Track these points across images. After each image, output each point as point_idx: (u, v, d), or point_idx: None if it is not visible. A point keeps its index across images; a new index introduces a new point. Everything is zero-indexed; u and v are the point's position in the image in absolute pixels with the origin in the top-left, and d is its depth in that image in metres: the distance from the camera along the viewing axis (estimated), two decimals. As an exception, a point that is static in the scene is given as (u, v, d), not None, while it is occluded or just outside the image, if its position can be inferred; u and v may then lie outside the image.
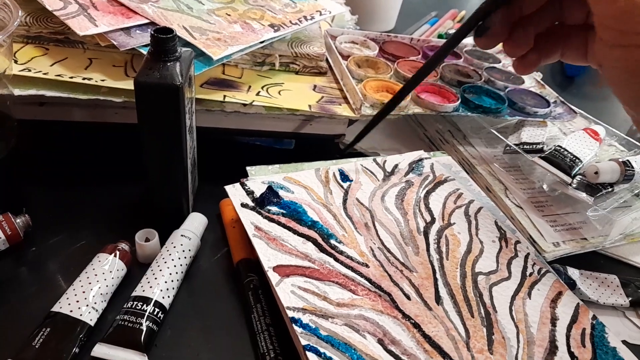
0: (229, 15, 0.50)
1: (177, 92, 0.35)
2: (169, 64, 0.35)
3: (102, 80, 0.43)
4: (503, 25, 0.35)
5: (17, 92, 0.41)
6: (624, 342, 0.38)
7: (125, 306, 0.35)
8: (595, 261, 0.44)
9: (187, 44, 0.45)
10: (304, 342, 0.30)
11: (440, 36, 0.74)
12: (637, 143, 0.52)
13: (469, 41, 0.66)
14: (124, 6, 0.48)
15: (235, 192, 0.39)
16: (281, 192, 0.40)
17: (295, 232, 0.37)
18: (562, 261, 0.42)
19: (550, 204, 0.45)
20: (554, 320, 0.33)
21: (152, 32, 0.35)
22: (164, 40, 0.35)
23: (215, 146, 0.49)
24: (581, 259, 0.42)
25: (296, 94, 0.48)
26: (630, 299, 0.41)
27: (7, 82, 0.38)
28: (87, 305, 0.34)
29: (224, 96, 0.45)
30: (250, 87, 0.47)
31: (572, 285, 0.40)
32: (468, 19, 0.35)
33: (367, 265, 0.35)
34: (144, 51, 0.44)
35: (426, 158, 0.46)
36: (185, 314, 0.36)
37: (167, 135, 0.37)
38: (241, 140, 0.52)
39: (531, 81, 0.57)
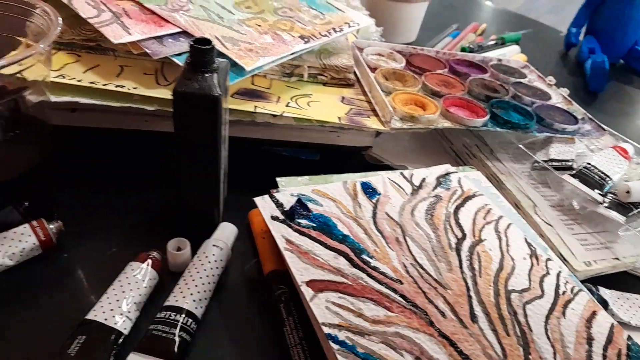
0: (259, 25, 0.50)
1: (216, 102, 0.35)
2: (207, 74, 0.36)
3: (135, 88, 0.44)
4: None
5: (52, 98, 0.41)
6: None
7: (158, 316, 0.35)
8: (627, 282, 0.44)
9: (220, 54, 0.45)
10: (341, 359, 0.30)
11: (463, 49, 0.74)
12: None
13: (494, 55, 0.66)
14: (156, 15, 0.49)
15: (264, 204, 0.39)
16: (310, 205, 0.40)
17: (326, 246, 0.37)
18: (593, 281, 0.42)
19: (581, 222, 0.45)
20: (589, 341, 0.33)
21: (191, 43, 0.35)
22: (203, 52, 0.35)
23: (241, 156, 0.50)
24: (612, 279, 0.42)
25: (325, 106, 0.48)
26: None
27: (45, 88, 0.39)
28: (122, 314, 0.34)
29: (255, 107, 0.45)
30: (279, 98, 0.48)
31: (604, 305, 0.39)
32: None
33: (400, 282, 0.35)
34: (177, 60, 0.45)
35: (453, 172, 0.45)
36: (216, 324, 0.36)
37: (203, 145, 0.37)
38: (267, 150, 0.52)
39: (558, 97, 0.57)
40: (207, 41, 0.36)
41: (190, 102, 0.35)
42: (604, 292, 0.40)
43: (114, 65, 0.47)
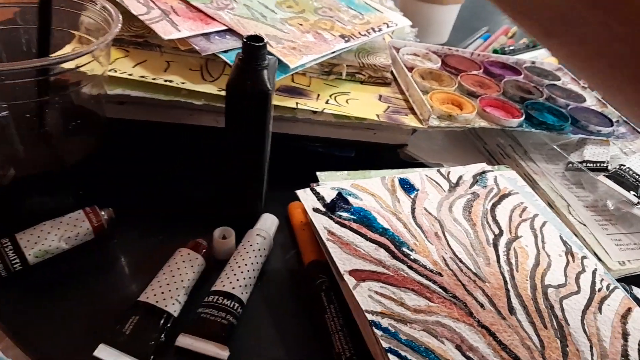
0: (301, 25, 0.52)
1: (267, 98, 0.37)
2: (258, 70, 0.37)
3: (182, 83, 0.46)
4: None
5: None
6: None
7: (206, 300, 0.36)
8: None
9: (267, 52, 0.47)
10: (385, 344, 0.31)
11: (495, 51, 0.75)
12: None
13: (527, 57, 0.66)
14: (202, 12, 0.50)
15: (306, 197, 0.41)
16: (350, 199, 0.41)
17: (367, 238, 0.38)
18: (626, 280, 0.42)
19: (615, 223, 0.45)
20: (625, 336, 0.34)
21: (245, 40, 0.37)
22: (256, 48, 0.37)
23: (279, 151, 0.51)
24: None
25: (363, 103, 0.49)
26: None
27: (103, 82, 0.41)
28: (172, 297, 0.36)
29: (297, 103, 0.46)
30: (319, 95, 0.49)
31: (637, 303, 0.40)
32: None
33: (440, 274, 0.36)
34: (224, 57, 0.46)
35: (489, 171, 0.46)
36: (259, 310, 0.38)
37: (252, 138, 0.39)
38: (304, 147, 0.54)
39: (592, 100, 0.58)
40: (259, 38, 0.37)
41: (242, 97, 0.37)
42: (638, 291, 0.41)
43: (160, 60, 0.49)
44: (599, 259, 0.42)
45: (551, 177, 0.49)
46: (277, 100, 0.46)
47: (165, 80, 0.46)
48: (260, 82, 0.37)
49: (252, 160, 0.40)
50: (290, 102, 0.46)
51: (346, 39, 0.50)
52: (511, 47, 0.76)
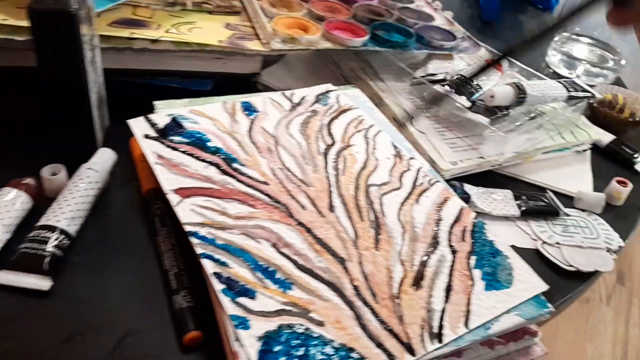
0: (134, -46, 0.49)
1: (73, 18, 0.35)
2: (60, -9, 0.35)
3: (4, 20, 0.43)
4: None
5: None
6: (513, 246, 0.42)
7: (29, 235, 0.35)
8: (493, 180, 0.47)
9: (89, -19, 0.44)
10: (199, 250, 0.31)
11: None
12: (535, 72, 0.55)
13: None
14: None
15: (138, 125, 0.40)
16: (186, 123, 0.41)
17: (197, 158, 0.38)
18: (462, 180, 0.45)
19: (452, 129, 0.48)
20: (438, 221, 0.36)
21: (39, -42, 0.35)
22: (52, -33, 0.35)
23: (130, 89, 0.49)
24: (480, 178, 0.45)
25: (207, 31, 0.48)
26: (522, 209, 0.44)
27: None
28: (-11, 235, 0.34)
29: (132, 33, 0.45)
30: (159, 25, 0.47)
31: (466, 199, 0.43)
32: None
33: (267, 183, 0.37)
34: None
35: (333, 90, 0.47)
36: (93, 241, 0.37)
37: (66, 65, 0.37)
38: (157, 83, 0.52)
39: (442, 19, 0.59)
40: (56, -43, 0.35)
41: (47, 18, 0.35)
42: (469, 187, 0.44)
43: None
44: (433, 162, 0.44)
45: (398, 94, 0.50)
46: (108, 31, 0.44)
47: (-16, 18, 0.42)
48: (64, 1, 0.35)
49: (72, 90, 0.38)
50: (124, 32, 0.45)
51: (183, -34, 0.49)
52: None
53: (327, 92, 0.47)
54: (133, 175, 0.43)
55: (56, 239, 0.35)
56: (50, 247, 0.34)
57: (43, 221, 0.36)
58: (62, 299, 0.33)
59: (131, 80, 0.50)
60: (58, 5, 0.34)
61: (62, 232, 0.35)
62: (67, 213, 0.37)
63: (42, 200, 0.39)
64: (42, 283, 0.33)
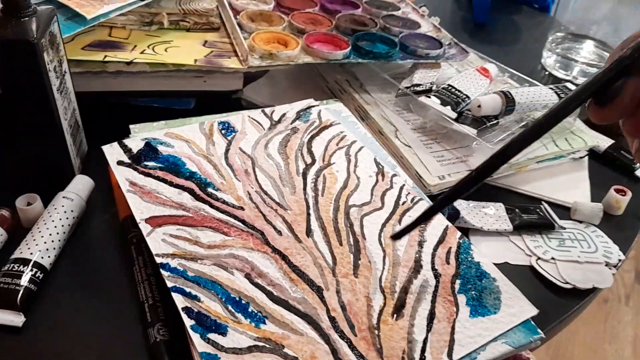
0: (108, -25, 0.48)
1: (33, 47, 0.34)
2: (22, 20, 0.35)
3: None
4: (635, 96, 0.26)
5: None
6: (506, 263, 0.40)
7: (2, 269, 0.34)
8: (484, 192, 0.45)
9: (61, 5, 0.44)
10: (170, 284, 0.30)
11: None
12: (527, 78, 0.54)
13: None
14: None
15: (112, 151, 0.39)
16: (161, 147, 0.40)
17: (171, 184, 0.37)
18: (450, 194, 0.43)
19: (440, 141, 0.46)
20: (421, 243, 0.35)
21: (-1, -13, 0.34)
22: (12, -5, 0.34)
23: (110, 111, 0.49)
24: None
25: (184, 50, 0.47)
26: (515, 223, 0.42)
27: None
28: (-40, 272, 0.34)
29: (105, 56, 0.44)
30: (135, 46, 0.46)
31: (456, 214, 0.41)
32: (586, 84, 0.27)
33: (242, 209, 0.35)
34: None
35: (314, 106, 0.46)
36: (69, 273, 0.36)
37: (31, 94, 0.36)
38: (138, 103, 0.51)
39: (429, 26, 0.58)
40: (17, -16, 0.34)
41: (6, 49, 0.34)
42: (458, 202, 0.42)
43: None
44: (420, 177, 0.42)
45: (383, 106, 0.49)
46: (81, 55, 0.44)
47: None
48: (22, 31, 0.34)
49: (41, 119, 0.37)
50: (97, 56, 0.44)
51: (157, -16, 0.48)
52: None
53: (309, 107, 0.46)
54: (113, 200, 0.42)
55: (30, 273, 0.34)
56: (24, 282, 0.33)
57: (17, 254, 0.35)
58: (35, 333, 0.32)
59: (112, 101, 0.49)
60: (17, 35, 0.33)
61: (36, 264, 0.35)
62: (41, 245, 0.36)
63: (18, 230, 0.38)
64: (14, 319, 0.32)
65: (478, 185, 0.29)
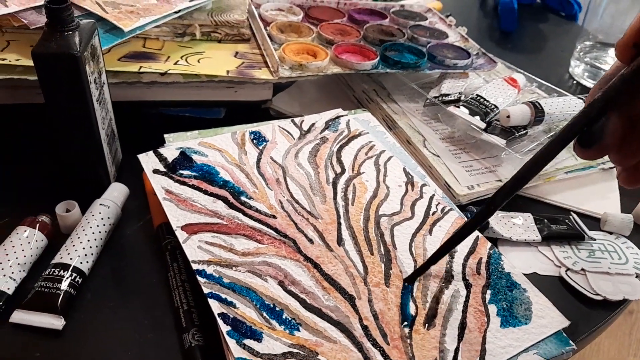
0: (144, -12, 0.50)
1: (76, 60, 0.36)
2: (66, 34, 0.36)
3: (17, 60, 0.44)
4: (616, 131, 0.27)
5: None
6: (535, 274, 0.40)
7: (43, 274, 0.35)
8: (513, 202, 0.45)
9: (100, 19, 0.45)
10: (206, 290, 0.31)
11: None
12: (555, 87, 0.53)
13: (396, 2, 0.66)
14: (37, -14, 0.48)
15: (148, 160, 0.40)
16: (195, 157, 0.41)
17: (205, 192, 0.38)
18: (480, 204, 0.43)
19: (468, 151, 0.46)
20: (452, 253, 0.35)
21: (46, 3, 0.35)
22: (57, 10, 0.35)
23: (144, 119, 0.50)
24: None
25: (216, 61, 0.48)
26: (544, 234, 0.42)
27: None
28: (5, 275, 0.35)
29: (140, 67, 0.45)
30: (169, 57, 0.48)
31: (485, 224, 0.41)
32: (567, 127, 0.27)
33: (274, 217, 0.36)
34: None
35: (343, 115, 0.47)
36: (106, 278, 0.37)
37: (72, 105, 0.38)
38: (170, 113, 0.53)
39: (456, 36, 0.58)
40: (62, 0, 0.36)
41: (50, 62, 0.36)
42: (486, 212, 0.42)
43: (1, 40, 0.47)
44: (449, 187, 0.42)
45: (411, 115, 0.49)
46: (118, 66, 0.45)
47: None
48: (67, 45, 0.35)
49: (81, 129, 0.39)
50: (133, 67, 0.45)
51: (190, -3, 0.49)
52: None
53: (337, 117, 0.46)
54: (147, 208, 0.43)
55: (70, 277, 0.35)
56: (64, 286, 0.35)
57: (57, 259, 0.36)
58: (74, 336, 0.33)
59: (145, 111, 0.51)
60: (61, 49, 0.35)
61: (76, 269, 0.36)
62: (80, 251, 0.37)
63: (57, 236, 0.39)
64: (55, 322, 0.33)
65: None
